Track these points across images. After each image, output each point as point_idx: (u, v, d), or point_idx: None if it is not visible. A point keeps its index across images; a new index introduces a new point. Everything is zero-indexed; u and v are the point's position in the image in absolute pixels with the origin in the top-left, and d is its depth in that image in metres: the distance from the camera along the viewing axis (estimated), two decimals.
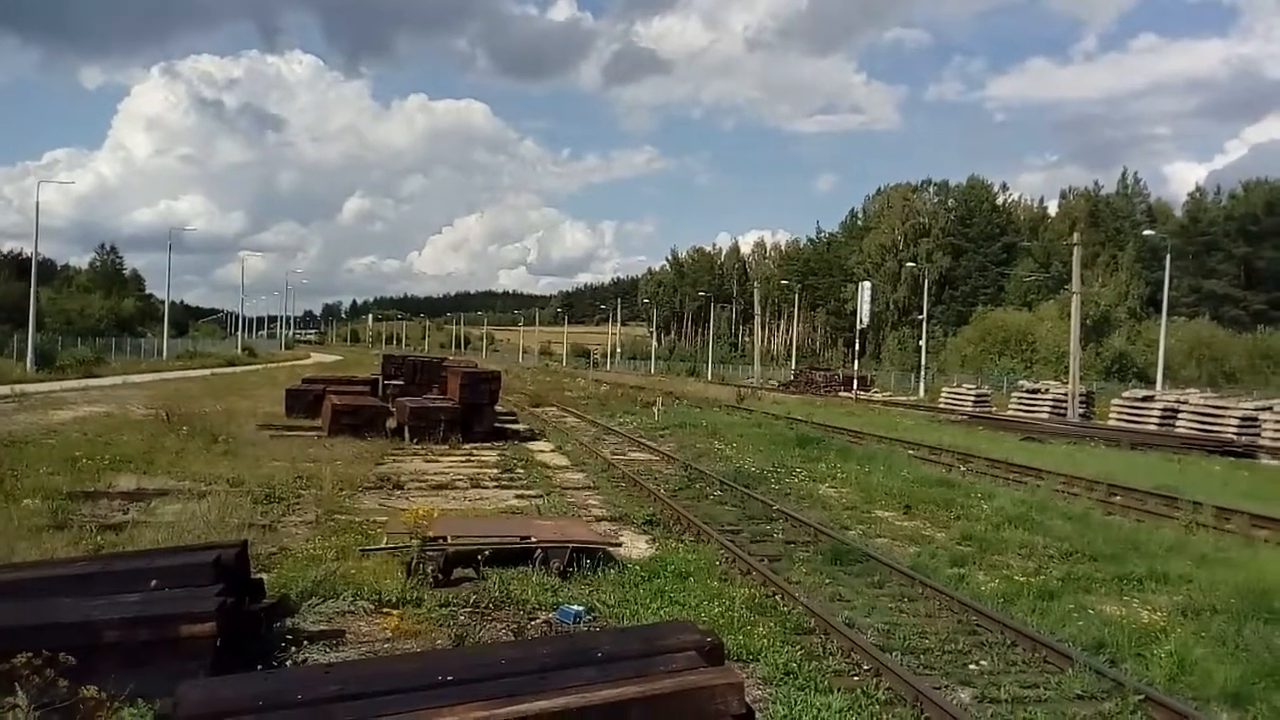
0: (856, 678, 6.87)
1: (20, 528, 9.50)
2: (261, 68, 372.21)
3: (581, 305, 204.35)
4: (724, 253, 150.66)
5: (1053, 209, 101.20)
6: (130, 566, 6.26)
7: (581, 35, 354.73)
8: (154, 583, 5.83)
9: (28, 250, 59.74)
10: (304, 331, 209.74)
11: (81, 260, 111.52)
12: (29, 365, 41.34)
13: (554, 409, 35.79)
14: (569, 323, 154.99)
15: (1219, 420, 29.63)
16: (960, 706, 6.36)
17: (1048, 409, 39.56)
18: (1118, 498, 15.75)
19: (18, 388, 29.74)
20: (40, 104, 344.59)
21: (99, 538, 9.48)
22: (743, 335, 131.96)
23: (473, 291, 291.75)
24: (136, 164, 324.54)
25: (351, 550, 9.36)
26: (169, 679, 4.72)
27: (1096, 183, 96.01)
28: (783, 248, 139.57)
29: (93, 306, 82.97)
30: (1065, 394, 39.00)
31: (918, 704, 6.29)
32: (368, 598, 7.98)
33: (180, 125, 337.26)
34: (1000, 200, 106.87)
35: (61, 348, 49.84)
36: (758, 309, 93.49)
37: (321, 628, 7.32)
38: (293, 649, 6.58)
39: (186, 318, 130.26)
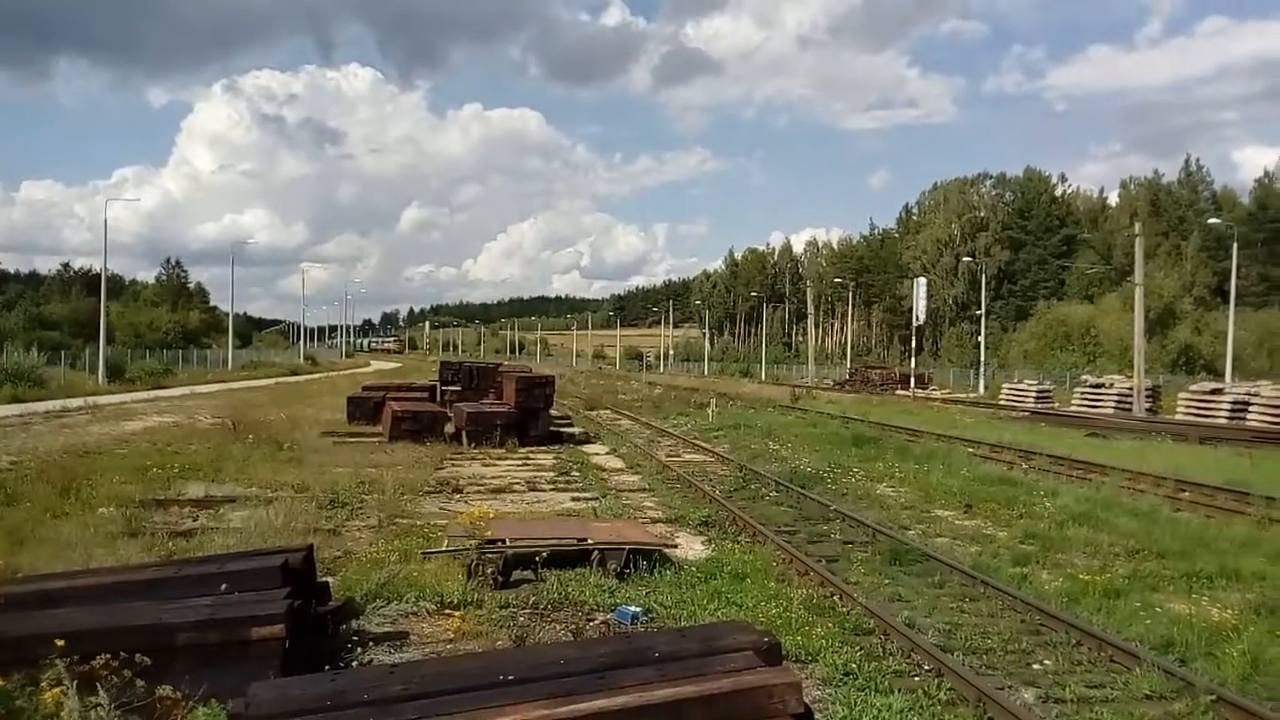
0: (917, 678, 6.81)
1: (96, 535, 9.84)
2: (320, 82, 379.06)
3: (634, 308, 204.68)
4: (777, 252, 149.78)
5: (1114, 199, 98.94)
6: (201, 571, 6.44)
7: (631, 38, 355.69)
8: (224, 587, 5.99)
9: (98, 267, 61.61)
10: (381, 339, 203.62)
11: (149, 275, 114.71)
12: (100, 378, 42.62)
13: (608, 412, 35.93)
14: (622, 326, 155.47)
15: None
16: (1024, 707, 6.28)
17: (1112, 404, 38.63)
18: (1186, 494, 15.35)
19: (90, 400, 30.68)
20: (109, 124, 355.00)
21: (170, 544, 9.80)
22: (796, 335, 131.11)
23: (527, 297, 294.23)
24: (201, 180, 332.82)
25: (413, 553, 9.52)
26: (240, 680, 4.86)
27: (1157, 171, 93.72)
28: (835, 245, 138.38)
29: (160, 320, 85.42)
30: (1130, 388, 38.04)
31: (980, 704, 6.21)
32: (430, 600, 8.12)
33: (242, 141, 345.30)
34: (1059, 192, 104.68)
35: (131, 360, 51.28)
36: (810, 308, 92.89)
37: (386, 629, 7.47)
38: (358, 650, 6.72)
39: (250, 329, 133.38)
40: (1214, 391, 34.11)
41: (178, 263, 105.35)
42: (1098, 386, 41.67)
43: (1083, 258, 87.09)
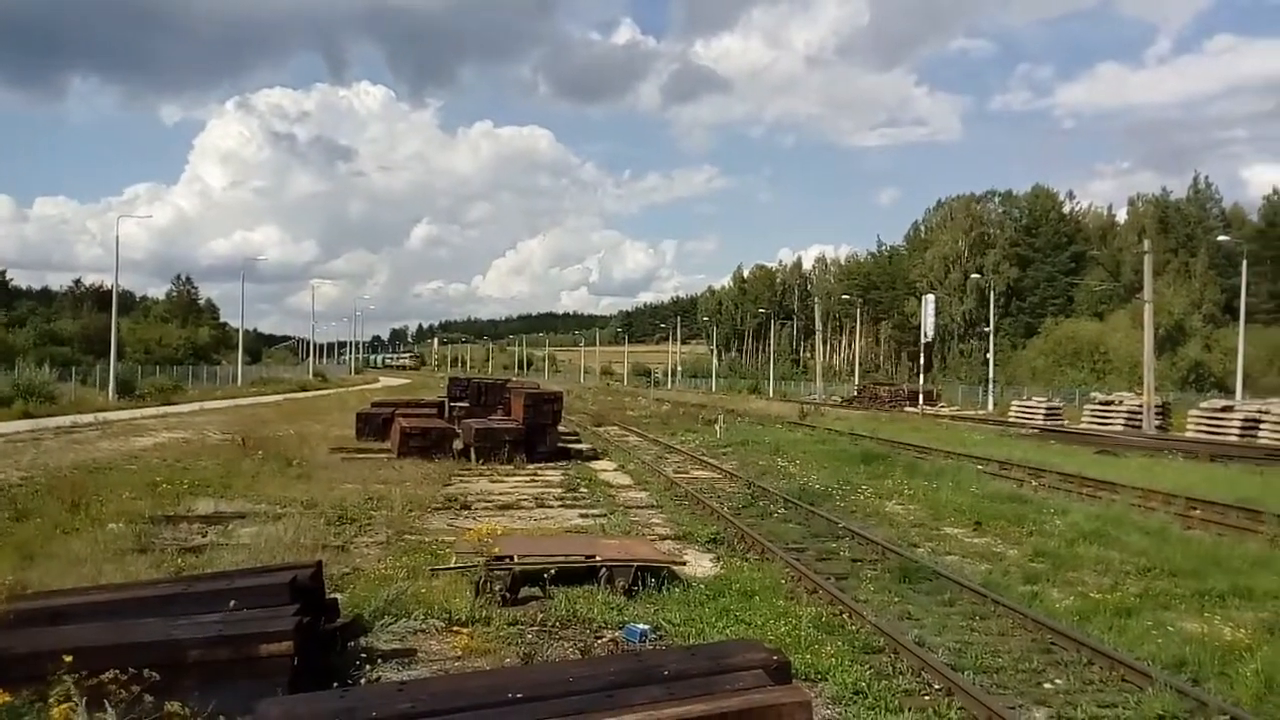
0: (928, 697, 6.76)
1: (106, 551, 9.85)
2: (332, 100, 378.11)
3: (641, 324, 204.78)
4: (785, 269, 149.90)
5: (1122, 216, 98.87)
6: (210, 588, 6.46)
7: (641, 57, 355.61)
8: (233, 603, 6.00)
9: (109, 283, 61.94)
10: (395, 354, 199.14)
11: (159, 291, 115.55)
12: (110, 394, 42.73)
13: (616, 428, 35.91)
14: (629, 342, 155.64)
15: None
16: None
17: (1122, 421, 38.49)
18: (1197, 511, 15.25)
19: (100, 415, 30.79)
20: (122, 141, 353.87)
21: (180, 560, 9.81)
22: (804, 351, 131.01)
23: (535, 313, 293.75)
24: (212, 197, 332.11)
25: (421, 570, 9.52)
26: (248, 697, 4.87)
27: (1165, 188, 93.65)
28: (843, 262, 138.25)
29: (170, 336, 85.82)
30: (1140, 405, 37.88)
31: None
32: (438, 616, 8.10)
33: (254, 158, 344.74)
34: (1067, 209, 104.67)
35: (141, 376, 51.39)
36: (819, 324, 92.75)
37: (394, 646, 7.45)
38: (366, 667, 6.71)
39: (260, 345, 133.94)
40: (1225, 409, 33.95)
41: (188, 279, 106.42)
42: (1107, 403, 41.52)
43: (1091, 275, 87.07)
